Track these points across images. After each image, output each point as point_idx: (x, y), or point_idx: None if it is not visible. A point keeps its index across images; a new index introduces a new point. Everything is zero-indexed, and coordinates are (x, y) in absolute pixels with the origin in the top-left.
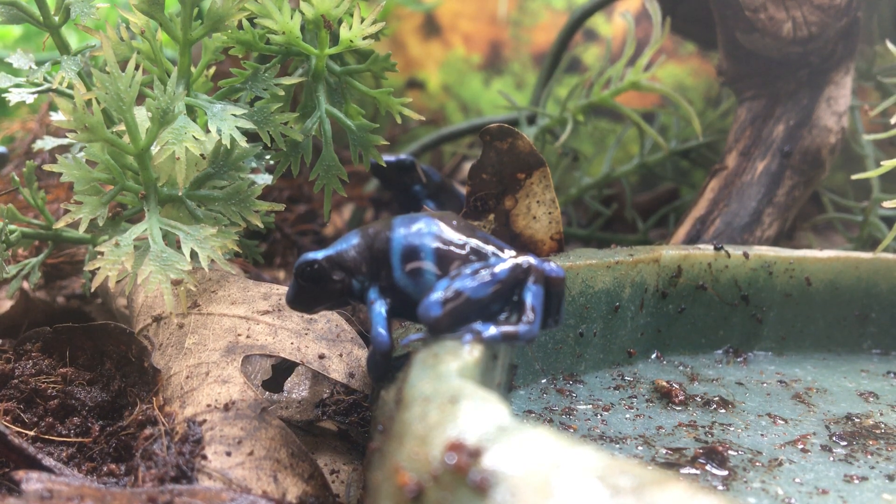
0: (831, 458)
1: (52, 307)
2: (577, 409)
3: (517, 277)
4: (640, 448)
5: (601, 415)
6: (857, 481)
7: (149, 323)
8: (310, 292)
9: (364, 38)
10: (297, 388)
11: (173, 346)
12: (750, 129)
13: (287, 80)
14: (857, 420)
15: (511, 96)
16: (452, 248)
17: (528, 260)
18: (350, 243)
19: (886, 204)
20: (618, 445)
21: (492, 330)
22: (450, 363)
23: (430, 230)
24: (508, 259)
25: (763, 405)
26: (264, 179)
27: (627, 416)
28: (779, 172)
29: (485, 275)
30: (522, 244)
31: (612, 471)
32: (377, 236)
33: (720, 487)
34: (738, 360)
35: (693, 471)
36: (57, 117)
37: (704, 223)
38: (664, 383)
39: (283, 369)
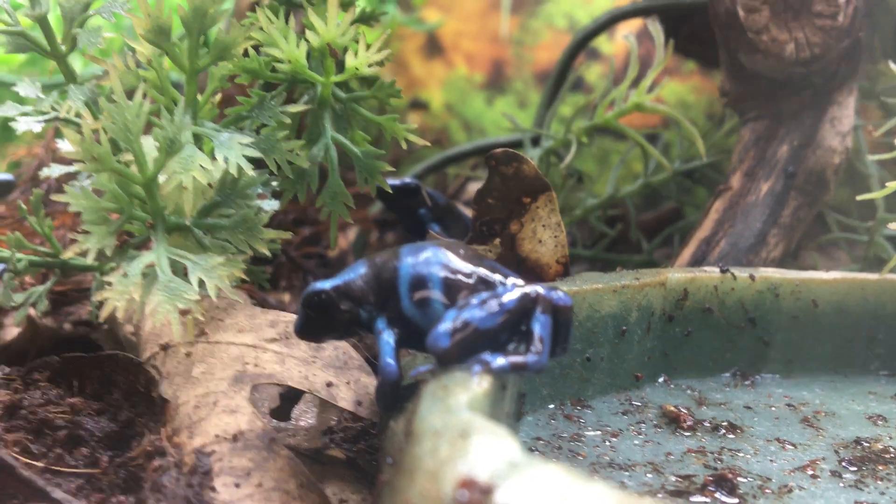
0: (841, 484)
1: (58, 334)
2: (585, 435)
3: (525, 307)
4: (649, 475)
5: (609, 441)
6: None
7: (156, 351)
8: (318, 322)
9: (370, 66)
10: (304, 415)
11: (181, 375)
12: (754, 150)
13: (293, 108)
14: (865, 444)
15: (515, 118)
16: (460, 277)
17: (536, 289)
18: (357, 273)
19: (893, 226)
20: (627, 473)
21: (500, 360)
22: (459, 395)
23: (437, 259)
24: (516, 289)
25: (772, 430)
26: (271, 206)
27: (636, 442)
28: (783, 193)
29: (493, 305)
30: (528, 268)
31: None
32: (384, 266)
33: None
34: (746, 382)
35: (703, 499)
36: (64, 146)
37: (710, 244)
38: (672, 408)
39: (290, 397)
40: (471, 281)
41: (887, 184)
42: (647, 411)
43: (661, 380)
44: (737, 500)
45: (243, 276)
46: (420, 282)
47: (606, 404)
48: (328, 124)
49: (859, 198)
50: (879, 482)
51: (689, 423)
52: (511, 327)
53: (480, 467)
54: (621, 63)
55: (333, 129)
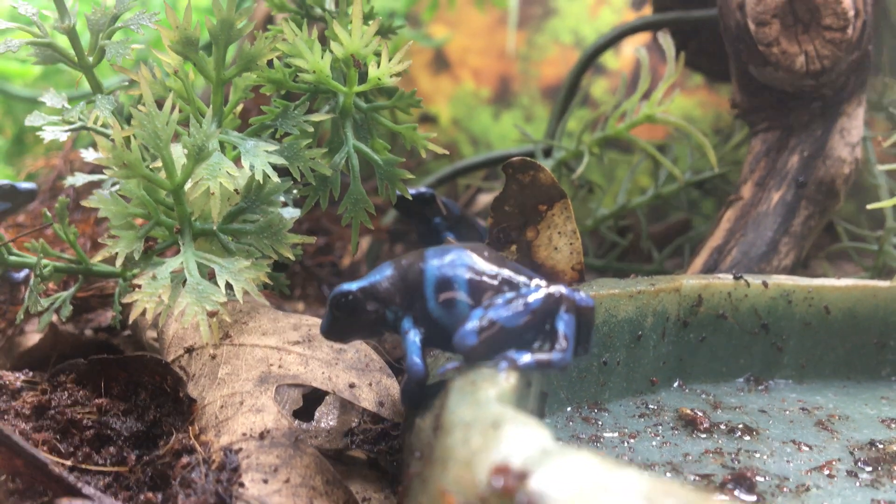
0: (857, 484)
1: (79, 340)
2: (603, 436)
3: (550, 307)
4: (668, 475)
5: (628, 442)
6: None
7: (181, 354)
8: (344, 322)
9: (391, 77)
10: (325, 417)
11: (206, 376)
12: (765, 161)
13: (316, 117)
14: (880, 446)
15: (525, 130)
16: (485, 278)
17: (560, 290)
18: (384, 275)
19: None
20: (647, 473)
21: (526, 357)
22: (488, 390)
23: (462, 261)
24: (541, 289)
25: (787, 432)
26: (292, 214)
27: (654, 443)
28: (794, 203)
29: (518, 304)
30: (544, 274)
31: (658, 492)
32: (410, 268)
33: None
34: (760, 388)
35: (722, 497)
36: (88, 155)
37: (721, 253)
38: (688, 411)
39: (313, 399)
40: (495, 282)
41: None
42: (664, 414)
43: (676, 384)
44: (755, 499)
45: (268, 281)
46: (446, 283)
47: (623, 407)
48: (350, 133)
49: (869, 206)
50: (894, 481)
51: (705, 425)
52: (536, 326)
53: (514, 454)
54: (629, 78)
55: (354, 137)
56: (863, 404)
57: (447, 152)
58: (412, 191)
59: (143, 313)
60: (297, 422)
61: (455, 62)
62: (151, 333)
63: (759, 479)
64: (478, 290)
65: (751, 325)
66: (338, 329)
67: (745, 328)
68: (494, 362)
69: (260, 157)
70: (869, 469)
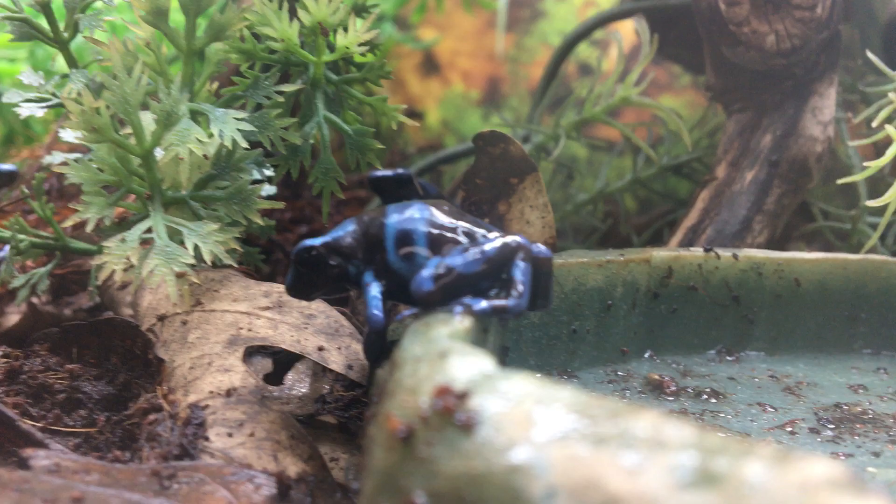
0: (819, 439)
1: (59, 319)
2: None
3: (506, 255)
4: None
5: None
6: (843, 457)
7: (154, 322)
8: (308, 278)
9: (359, 45)
10: (297, 384)
11: (177, 341)
12: (738, 141)
13: (286, 87)
14: (845, 408)
15: (505, 116)
16: (444, 231)
17: (517, 239)
18: (346, 230)
19: (871, 203)
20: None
21: (482, 303)
22: (440, 329)
23: (422, 215)
24: (497, 238)
25: (753, 396)
26: (268, 190)
27: None
28: (767, 181)
29: (475, 252)
30: None
31: (590, 405)
32: (372, 223)
33: None
34: (731, 358)
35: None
36: (65, 134)
37: (696, 232)
38: (656, 376)
39: (283, 363)
40: (454, 235)
41: (865, 164)
42: (632, 381)
43: (647, 355)
44: None
45: (237, 247)
46: (406, 237)
47: (592, 375)
48: (320, 103)
49: (840, 181)
50: (856, 437)
51: (672, 388)
52: (492, 275)
53: (457, 378)
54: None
55: (326, 109)
56: (832, 373)
57: (417, 124)
58: (390, 172)
59: (122, 288)
60: (267, 386)
61: (444, 65)
62: (128, 311)
63: (720, 435)
64: (437, 243)
65: (722, 298)
66: (301, 285)
67: (716, 300)
68: (450, 307)
69: (229, 124)
70: (832, 426)
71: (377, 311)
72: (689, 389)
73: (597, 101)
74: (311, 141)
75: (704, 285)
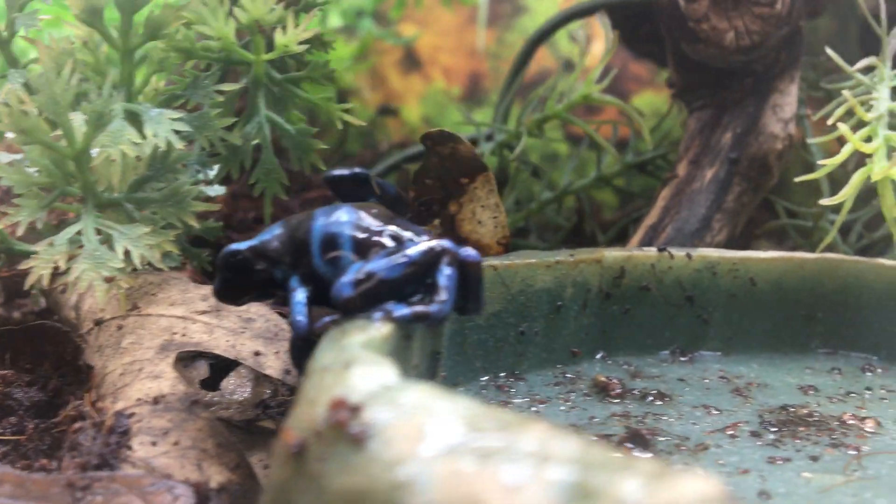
0: (759, 443)
1: (7, 321)
2: (512, 402)
3: (430, 260)
4: None
5: (536, 408)
6: (780, 462)
7: (91, 327)
8: (234, 283)
9: (300, 44)
10: (239, 389)
11: (111, 346)
12: (699, 138)
13: (225, 87)
14: (792, 410)
15: (469, 113)
16: (370, 235)
17: (442, 244)
18: (273, 233)
19: (823, 202)
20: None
21: (404, 310)
22: (355, 337)
23: (348, 219)
24: (422, 243)
25: (700, 398)
26: (217, 191)
27: (562, 408)
28: (727, 179)
29: (397, 257)
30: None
31: (482, 417)
32: (299, 226)
33: None
34: (684, 359)
35: (617, 454)
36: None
37: (656, 230)
38: (603, 378)
39: (220, 368)
40: (381, 239)
41: (820, 162)
42: (580, 383)
43: (599, 356)
44: (650, 455)
45: (173, 249)
46: (331, 240)
47: (540, 377)
48: (262, 102)
49: (798, 179)
50: (797, 441)
51: (617, 391)
52: (416, 279)
53: (354, 390)
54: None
55: (271, 109)
56: (786, 374)
57: (364, 123)
58: (347, 171)
59: (65, 291)
60: (206, 393)
61: (425, 61)
62: (72, 313)
63: (660, 438)
64: (363, 247)
65: (676, 298)
66: (228, 290)
67: (670, 300)
68: (370, 313)
69: (164, 125)
70: (774, 430)
71: (301, 316)
72: (636, 391)
73: (559, 98)
74: (257, 141)
75: (658, 285)
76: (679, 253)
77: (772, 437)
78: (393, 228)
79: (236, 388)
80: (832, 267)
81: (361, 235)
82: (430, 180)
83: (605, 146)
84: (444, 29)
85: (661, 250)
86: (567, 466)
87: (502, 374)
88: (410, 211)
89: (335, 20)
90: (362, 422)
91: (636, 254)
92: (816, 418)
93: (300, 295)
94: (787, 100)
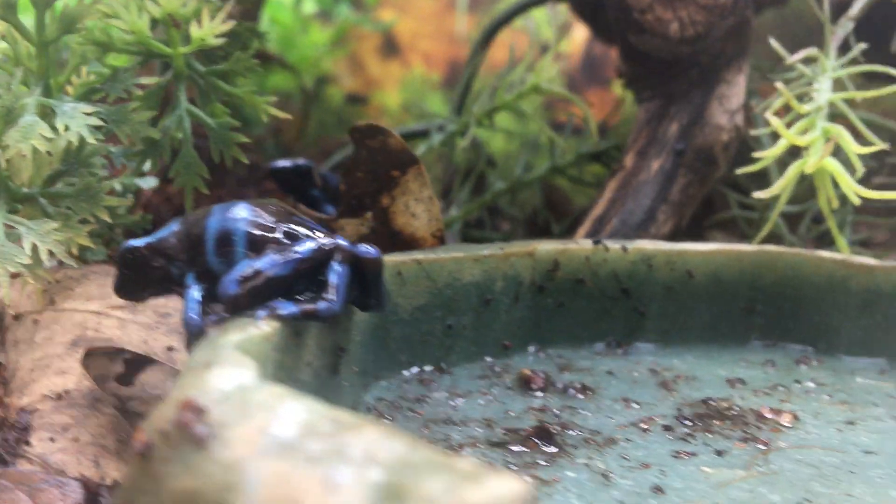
0: (669, 437)
1: None
2: (431, 396)
3: (321, 257)
4: (479, 430)
5: (454, 401)
6: (685, 457)
7: (10, 322)
8: (133, 279)
9: (217, 37)
10: (159, 385)
11: (26, 341)
12: (646, 130)
13: (145, 80)
14: (712, 403)
15: (422, 104)
16: (265, 232)
17: (335, 241)
18: (171, 230)
19: (757, 195)
20: (459, 427)
21: (291, 307)
22: (231, 336)
23: (244, 216)
24: (313, 240)
25: (624, 391)
26: (149, 183)
27: (481, 402)
28: (672, 171)
29: (287, 254)
30: (403, 242)
31: (319, 419)
32: (196, 222)
33: (543, 463)
34: (620, 351)
35: (523, 448)
36: None
37: (602, 222)
38: (527, 372)
39: (134, 363)
40: (276, 235)
41: (755, 154)
42: (506, 376)
43: (532, 349)
44: (556, 450)
45: (87, 243)
46: (226, 237)
47: (468, 370)
48: (182, 96)
49: (739, 171)
50: (709, 435)
51: (539, 384)
52: (307, 277)
53: (206, 391)
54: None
55: (198, 103)
56: (718, 366)
57: (290, 117)
58: (288, 162)
59: None
60: (115, 386)
61: (405, 47)
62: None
63: (571, 433)
64: (257, 244)
65: (611, 290)
66: (128, 286)
67: (606, 293)
68: (255, 312)
69: (77, 119)
70: (689, 424)
71: (194, 314)
72: (559, 385)
73: (509, 88)
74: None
75: (593, 278)
76: (614, 245)
77: (684, 431)
78: (289, 226)
79: (158, 383)
80: (771, 259)
81: (256, 232)
82: (361, 173)
83: (553, 137)
84: (424, 14)
85: (596, 243)
86: (385, 467)
87: (429, 368)
88: (342, 204)
89: (310, 6)
90: (207, 423)
91: (570, 247)
92: (735, 412)
93: (194, 292)
94: (735, 91)
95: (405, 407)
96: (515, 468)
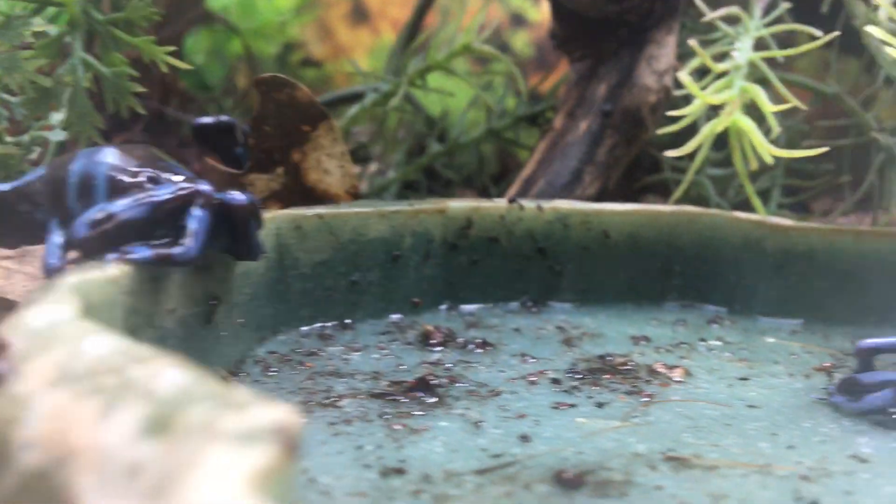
0: (555, 390)
1: None
2: (326, 350)
3: (179, 202)
4: (364, 382)
5: (348, 356)
6: (564, 408)
7: None
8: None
9: None
10: None
11: None
12: (576, 90)
13: (38, 28)
14: (609, 359)
15: (358, 64)
16: (127, 177)
17: (196, 186)
18: (37, 174)
19: (669, 153)
20: (344, 380)
21: (144, 251)
22: (71, 278)
23: (108, 160)
24: (173, 185)
25: (525, 347)
26: (57, 136)
27: (376, 356)
28: (599, 132)
29: (142, 198)
30: (317, 199)
31: (114, 353)
32: (60, 166)
33: (418, 413)
34: (534, 310)
35: (404, 399)
36: None
37: (530, 183)
38: (429, 327)
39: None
40: (139, 180)
41: (670, 113)
42: (410, 333)
43: (443, 307)
44: (436, 400)
45: None
46: (88, 182)
47: (372, 326)
48: (77, 44)
49: (661, 131)
50: (595, 388)
51: (438, 339)
52: (166, 222)
53: (17, 327)
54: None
55: (96, 53)
56: (628, 325)
57: (191, 67)
58: (211, 119)
59: None
60: None
61: (374, 14)
62: None
63: (458, 385)
64: (118, 189)
65: (527, 249)
66: None
67: (521, 252)
68: (105, 255)
69: None
70: (579, 377)
71: (54, 259)
72: (460, 340)
73: (440, 48)
74: (84, 85)
75: (508, 237)
76: (530, 205)
77: (571, 385)
78: (154, 171)
79: None
80: (689, 220)
81: (118, 177)
82: (269, 127)
83: (485, 98)
84: None
85: (511, 202)
86: (163, 399)
87: (331, 323)
88: (251, 159)
89: None
90: (8, 358)
91: (484, 205)
92: (629, 367)
93: (56, 237)
94: (664, 52)
95: (295, 360)
96: (388, 417)
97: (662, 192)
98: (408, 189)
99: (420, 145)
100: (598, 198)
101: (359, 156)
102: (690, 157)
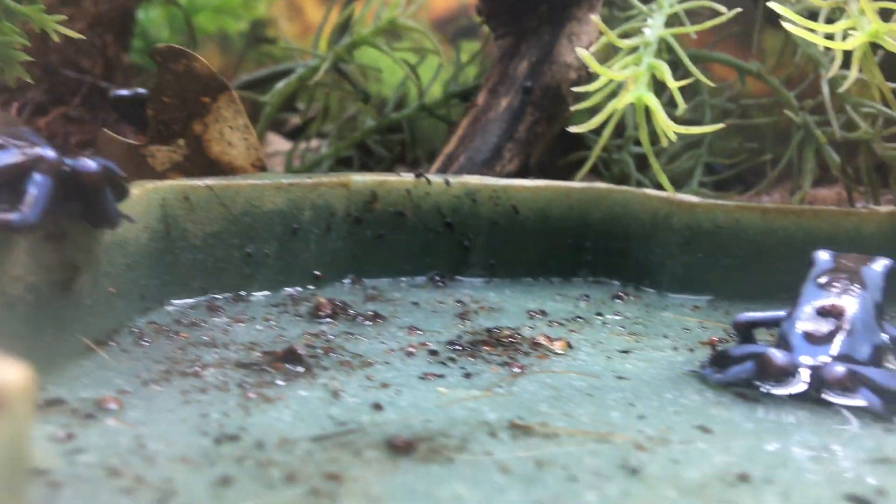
0: (429, 361)
1: None
2: (209, 321)
3: (19, 168)
4: (236, 353)
5: (230, 327)
6: (431, 378)
7: None
8: None
9: None
10: None
11: None
12: (498, 67)
13: None
14: (495, 332)
15: (290, 40)
16: None
17: (38, 152)
18: None
19: (571, 129)
20: (217, 350)
21: None
22: None
23: None
24: (13, 151)
25: (416, 321)
26: None
27: (259, 327)
28: (520, 109)
29: None
30: (221, 171)
31: None
32: None
33: (280, 383)
34: (441, 284)
35: (270, 369)
36: None
37: (451, 159)
38: (322, 300)
39: None
40: None
41: (576, 89)
42: (304, 305)
43: (347, 280)
44: (303, 370)
45: None
46: None
47: (268, 298)
48: None
49: (574, 108)
50: (471, 359)
51: (327, 311)
52: (7, 187)
53: None
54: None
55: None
56: (531, 300)
57: (84, 37)
58: (126, 91)
59: None
60: None
61: None
62: None
63: (332, 355)
64: None
65: (434, 224)
66: None
67: (429, 226)
68: None
69: None
70: (457, 349)
71: None
72: (351, 313)
73: (367, 23)
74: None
75: (415, 211)
76: (437, 179)
77: (448, 356)
78: (3, 138)
79: None
80: (600, 196)
81: None
82: (167, 98)
83: (409, 75)
84: None
85: (418, 176)
86: None
87: (224, 295)
88: (150, 130)
89: None
90: None
91: (390, 179)
92: (512, 340)
93: None
94: (585, 29)
95: (172, 331)
96: (247, 386)
97: (594, 169)
98: (341, 165)
99: (353, 121)
100: (519, 174)
101: (309, 134)
102: (618, 134)
